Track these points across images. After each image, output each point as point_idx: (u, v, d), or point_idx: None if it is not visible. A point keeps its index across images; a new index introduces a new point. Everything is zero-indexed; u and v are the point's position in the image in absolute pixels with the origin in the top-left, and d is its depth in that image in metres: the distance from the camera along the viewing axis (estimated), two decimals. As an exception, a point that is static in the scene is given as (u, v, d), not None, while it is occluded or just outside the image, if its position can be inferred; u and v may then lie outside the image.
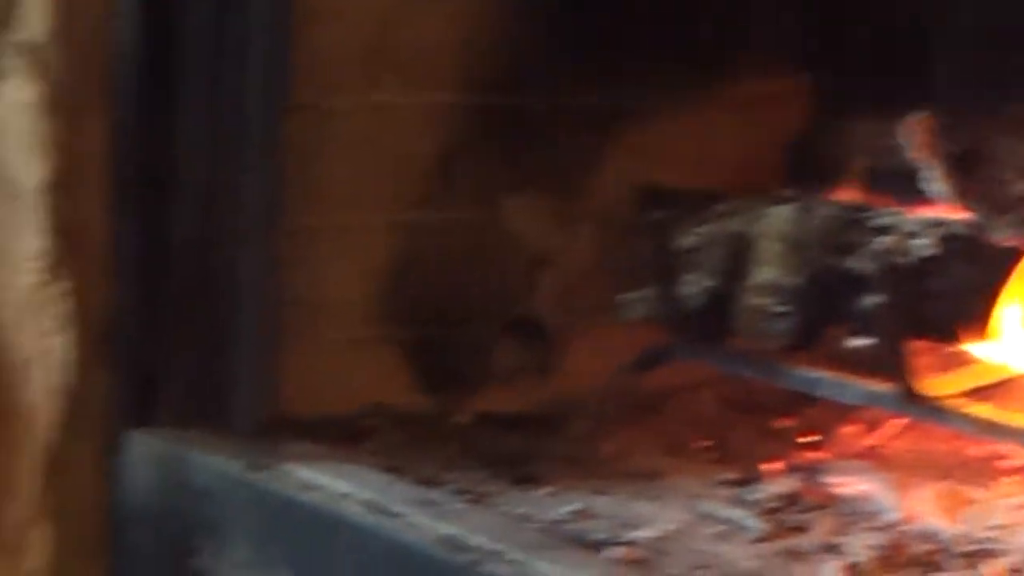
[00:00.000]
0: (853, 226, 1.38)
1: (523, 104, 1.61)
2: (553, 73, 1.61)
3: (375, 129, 1.55)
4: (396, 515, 1.33)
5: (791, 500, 1.37)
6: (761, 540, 1.29)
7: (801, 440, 1.53)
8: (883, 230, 1.36)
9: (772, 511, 1.35)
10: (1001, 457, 1.44)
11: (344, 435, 1.52)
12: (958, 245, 1.34)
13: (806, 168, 1.58)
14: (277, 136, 1.48)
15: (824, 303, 1.38)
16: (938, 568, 1.22)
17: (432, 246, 1.60)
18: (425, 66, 1.56)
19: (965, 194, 1.36)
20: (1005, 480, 1.40)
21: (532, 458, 1.48)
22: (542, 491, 1.40)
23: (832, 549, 1.26)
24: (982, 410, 1.35)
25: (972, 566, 1.22)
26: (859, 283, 1.36)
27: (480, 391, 1.62)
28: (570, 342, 1.65)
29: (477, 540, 1.25)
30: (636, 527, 1.31)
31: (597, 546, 1.27)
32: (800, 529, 1.31)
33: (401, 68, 1.55)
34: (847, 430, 1.53)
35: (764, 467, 1.45)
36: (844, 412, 1.52)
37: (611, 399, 1.55)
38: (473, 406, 1.61)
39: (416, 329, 1.61)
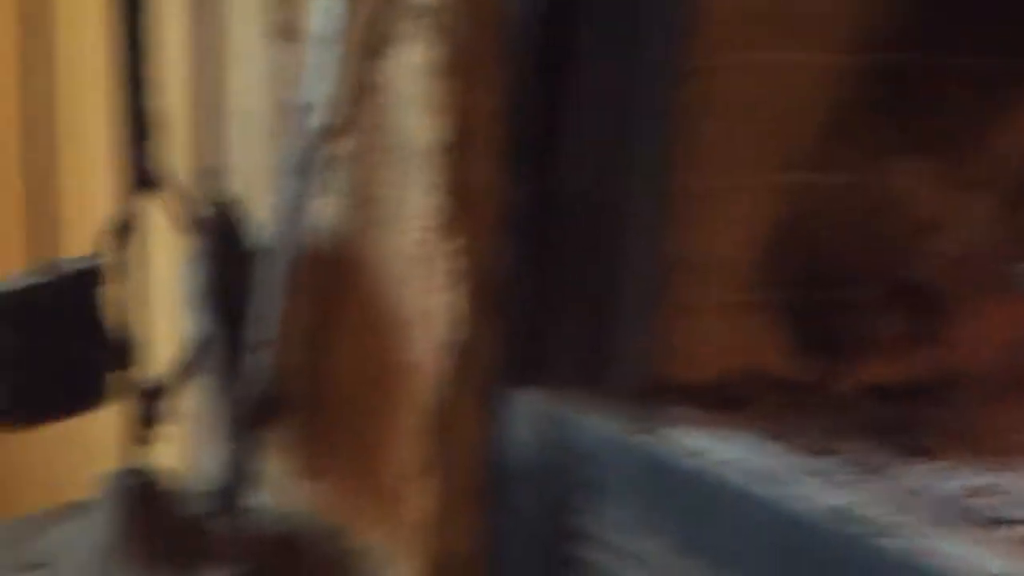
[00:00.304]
0: None
1: (916, 65, 1.56)
2: (949, 33, 1.55)
3: (764, 89, 1.51)
4: (783, 483, 1.30)
5: None
6: None
7: None
8: None
9: None
10: None
11: (723, 400, 1.50)
12: None
13: None
14: (672, 99, 1.47)
15: None
16: None
17: (817, 209, 1.57)
18: (818, 26, 1.52)
19: None
20: None
21: (920, 430, 1.44)
22: (935, 464, 1.35)
23: None
24: None
25: None
26: None
27: (861, 359, 1.58)
28: (958, 311, 1.59)
29: (869, 512, 1.22)
30: (1036, 506, 1.26)
31: (995, 524, 1.22)
32: None
33: (793, 27, 1.51)
34: None
35: None
36: None
37: (1004, 372, 1.50)
38: (854, 374, 1.57)
39: (797, 293, 1.58)
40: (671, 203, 1.49)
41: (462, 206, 1.56)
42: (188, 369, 1.73)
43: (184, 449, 1.93)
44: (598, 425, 1.47)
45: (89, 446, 1.92)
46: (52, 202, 1.66)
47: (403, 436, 1.61)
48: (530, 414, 1.55)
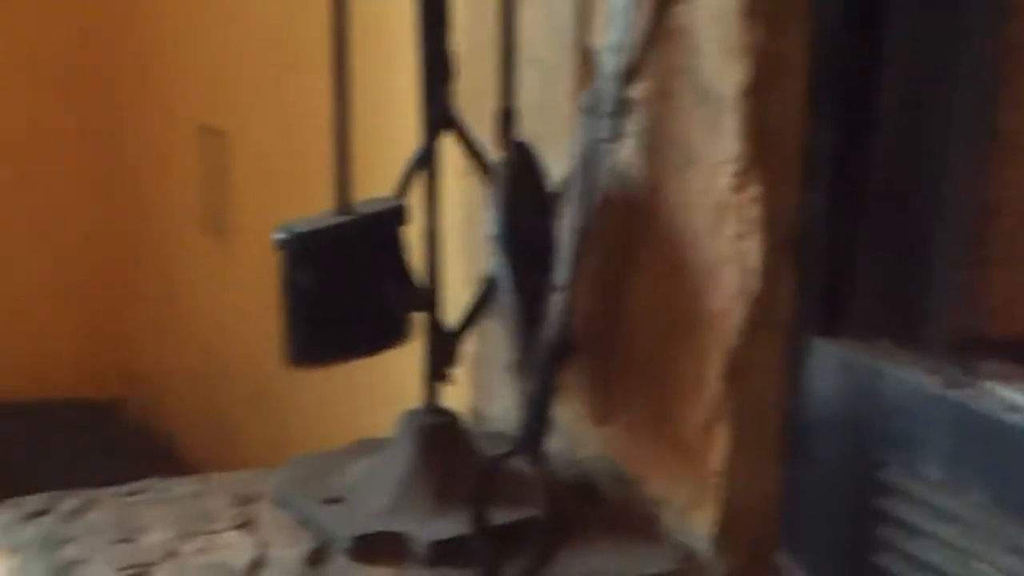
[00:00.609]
0: None
1: None
2: None
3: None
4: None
5: None
6: None
7: None
8: None
9: None
10: None
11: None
12: None
13: None
14: (996, 37, 1.41)
15: None
16: None
17: None
18: None
19: None
20: None
21: None
22: None
23: None
24: None
25: None
26: None
27: None
28: None
29: None
30: None
31: None
32: None
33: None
34: None
35: None
36: None
37: None
38: None
39: None
40: (992, 149, 1.44)
41: (763, 152, 1.53)
42: (483, 311, 1.73)
43: (478, 391, 1.95)
44: (909, 377, 1.43)
45: (389, 385, 1.95)
46: (354, 143, 1.67)
47: (700, 385, 1.59)
48: (833, 365, 1.52)
